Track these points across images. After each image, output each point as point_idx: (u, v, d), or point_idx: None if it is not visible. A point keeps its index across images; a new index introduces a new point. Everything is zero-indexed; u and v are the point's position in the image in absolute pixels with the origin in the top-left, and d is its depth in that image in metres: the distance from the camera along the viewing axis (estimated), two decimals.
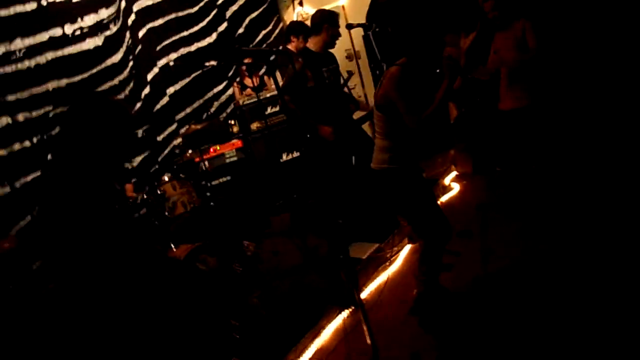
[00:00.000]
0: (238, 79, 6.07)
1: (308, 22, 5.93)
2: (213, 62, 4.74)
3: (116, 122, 2.06)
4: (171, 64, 5.44)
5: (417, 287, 3.35)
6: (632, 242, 3.27)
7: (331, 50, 4.48)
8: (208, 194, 5.01)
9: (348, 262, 2.58)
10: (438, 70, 3.05)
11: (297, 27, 5.12)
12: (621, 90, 4.57)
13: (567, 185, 4.33)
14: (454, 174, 5.89)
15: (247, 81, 5.97)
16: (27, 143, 4.18)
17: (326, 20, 4.25)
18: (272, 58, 4.49)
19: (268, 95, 5.61)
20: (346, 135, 4.34)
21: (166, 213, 4.22)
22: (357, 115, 4.87)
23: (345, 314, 3.43)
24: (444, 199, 5.34)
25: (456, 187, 5.56)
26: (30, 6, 4.21)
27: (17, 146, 4.12)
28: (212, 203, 4.89)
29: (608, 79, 4.66)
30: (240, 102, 5.66)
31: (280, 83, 5.09)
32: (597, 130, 4.61)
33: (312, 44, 4.30)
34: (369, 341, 2.59)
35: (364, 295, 3.76)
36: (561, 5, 4.80)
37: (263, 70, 6.55)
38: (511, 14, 4.09)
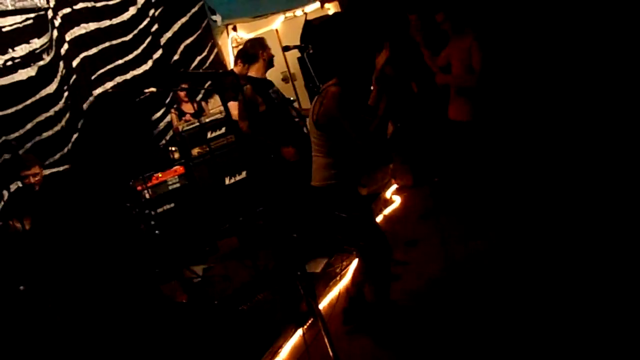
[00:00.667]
0: (175, 106, 6.05)
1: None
2: (152, 89, 4.71)
3: None
4: (110, 91, 5.36)
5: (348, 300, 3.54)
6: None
7: (267, 74, 4.61)
8: (152, 222, 4.94)
9: (305, 274, 2.64)
10: (372, 87, 3.19)
11: (243, 54, 5.24)
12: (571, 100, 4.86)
13: (504, 188, 4.56)
14: (394, 187, 6.07)
15: (185, 107, 5.96)
16: None
17: (259, 47, 4.42)
18: (215, 81, 4.56)
19: (207, 120, 5.61)
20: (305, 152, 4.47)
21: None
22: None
23: (302, 328, 3.47)
24: (386, 211, 5.50)
25: (398, 200, 5.74)
26: None
27: None
28: (157, 231, 4.83)
29: (554, 92, 4.95)
30: (180, 128, 5.63)
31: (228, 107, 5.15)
32: (539, 144, 4.88)
33: (253, 71, 4.43)
34: (330, 352, 2.64)
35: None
36: (509, 18, 5.07)
37: (200, 96, 6.55)
38: (462, 24, 4.28)
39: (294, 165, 4.36)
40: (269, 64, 4.47)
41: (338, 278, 4.25)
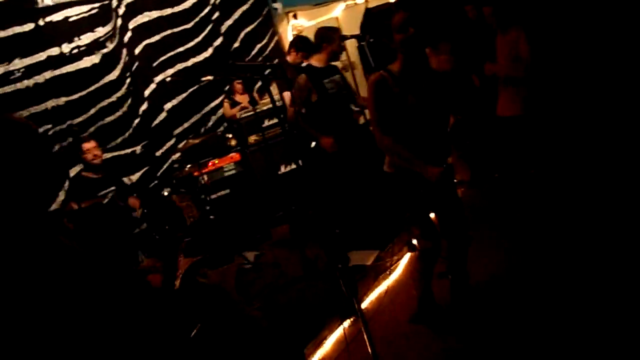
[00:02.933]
0: (224, 96, 6.12)
1: (304, 34, 6.03)
2: (209, 77, 4.79)
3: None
4: (168, 79, 5.48)
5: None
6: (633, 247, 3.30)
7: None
8: (207, 207, 5.04)
9: (347, 271, 2.60)
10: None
11: (300, 43, 5.25)
12: (619, 95, 4.60)
13: (565, 190, 4.37)
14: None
15: (238, 97, 6.01)
16: None
17: (324, 40, 4.41)
18: (266, 72, 4.62)
19: (264, 108, 5.65)
20: (350, 144, 4.44)
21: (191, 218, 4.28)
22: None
23: (346, 324, 3.44)
24: None
25: None
26: (28, 26, 4.26)
27: None
28: (211, 217, 4.92)
29: (605, 85, 4.70)
30: (237, 115, 5.70)
31: (278, 96, 5.20)
32: (595, 136, 4.65)
33: (314, 60, 4.48)
34: (369, 351, 2.60)
35: (364, 304, 3.78)
36: (556, 12, 4.86)
37: (258, 85, 6.60)
38: (508, 20, 4.16)
39: (334, 156, 4.36)
40: (332, 57, 4.48)
41: (388, 272, 4.19)
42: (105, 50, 4.76)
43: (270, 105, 5.63)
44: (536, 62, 4.02)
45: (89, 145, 4.21)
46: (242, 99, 5.93)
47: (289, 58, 5.29)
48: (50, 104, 4.38)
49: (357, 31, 6.26)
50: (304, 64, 4.80)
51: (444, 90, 2.94)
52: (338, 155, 4.38)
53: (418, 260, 3.25)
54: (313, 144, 4.40)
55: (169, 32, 5.65)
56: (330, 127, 4.37)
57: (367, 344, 2.57)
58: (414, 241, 4.44)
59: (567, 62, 4.73)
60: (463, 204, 3.30)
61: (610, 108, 4.66)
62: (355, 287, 3.08)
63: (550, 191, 4.42)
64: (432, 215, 3.25)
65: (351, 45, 7.10)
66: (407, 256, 4.42)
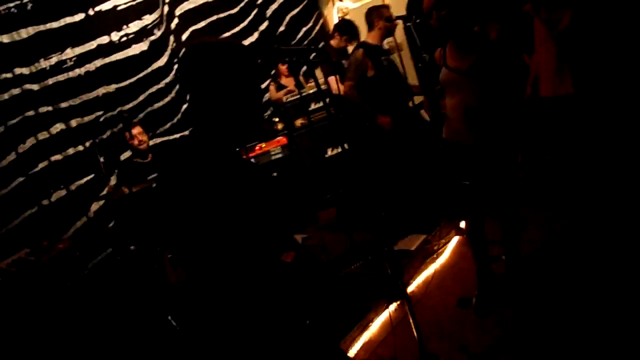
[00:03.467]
0: (270, 79, 6.12)
1: (348, 17, 5.95)
2: (257, 61, 4.80)
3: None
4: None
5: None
6: None
7: None
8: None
9: (393, 255, 2.57)
10: None
11: (344, 27, 5.23)
12: None
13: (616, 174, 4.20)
14: None
15: (285, 80, 6.01)
16: (80, 147, 4.36)
17: (375, 15, 4.42)
18: (311, 56, 4.61)
19: (310, 91, 5.63)
20: (404, 124, 4.41)
21: None
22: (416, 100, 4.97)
23: (392, 307, 3.42)
24: None
25: None
26: (79, 17, 4.38)
27: (71, 151, 4.30)
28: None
29: None
30: (284, 99, 5.70)
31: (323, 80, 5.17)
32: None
33: (370, 38, 4.47)
34: (415, 334, 2.57)
35: (411, 288, 3.74)
36: None
37: (304, 69, 6.57)
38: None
39: (388, 136, 4.32)
40: (387, 33, 4.47)
41: (435, 256, 4.14)
42: (153, 38, 4.84)
43: (316, 89, 5.64)
44: (584, 41, 3.87)
45: (135, 131, 4.30)
46: (288, 82, 5.93)
47: (332, 42, 5.26)
48: (101, 91, 4.49)
49: (403, 12, 6.13)
50: (350, 48, 4.77)
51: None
52: (392, 136, 4.33)
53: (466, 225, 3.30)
54: (368, 122, 4.35)
55: (214, 17, 5.70)
56: (386, 104, 4.33)
57: (413, 327, 2.53)
58: (462, 224, 4.38)
59: (615, 37, 4.50)
60: (515, 185, 3.20)
61: None
62: (401, 270, 3.05)
63: (602, 174, 4.25)
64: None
65: (397, 26, 6.96)
66: (455, 240, 4.35)
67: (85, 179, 4.35)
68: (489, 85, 2.81)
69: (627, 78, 4.49)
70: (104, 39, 4.51)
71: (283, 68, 5.92)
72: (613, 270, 3.09)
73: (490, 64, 2.78)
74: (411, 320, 2.56)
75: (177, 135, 5.16)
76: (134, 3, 4.72)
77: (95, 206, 4.40)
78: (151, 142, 4.56)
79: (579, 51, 4.02)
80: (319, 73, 6.31)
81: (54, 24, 4.26)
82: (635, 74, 4.48)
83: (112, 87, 4.56)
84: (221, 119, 1.61)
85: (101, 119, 4.48)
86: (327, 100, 5.49)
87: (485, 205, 3.18)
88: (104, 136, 4.53)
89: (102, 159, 4.34)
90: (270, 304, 1.67)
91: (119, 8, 4.61)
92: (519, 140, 3.10)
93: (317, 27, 6.90)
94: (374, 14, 4.42)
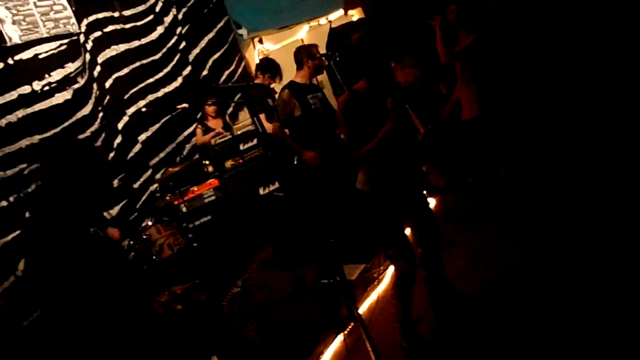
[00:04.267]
0: (197, 124, 6.13)
1: (271, 57, 6.11)
2: (185, 105, 4.82)
3: (90, 163, 2.03)
4: (144, 109, 5.49)
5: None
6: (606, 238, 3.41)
7: None
8: (190, 235, 5.02)
9: (343, 279, 2.64)
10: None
11: (266, 65, 5.37)
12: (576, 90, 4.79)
13: (538, 187, 4.51)
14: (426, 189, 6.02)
15: (212, 122, 6.03)
16: (3, 203, 4.15)
17: (305, 55, 4.54)
18: (245, 93, 4.71)
19: (239, 132, 5.69)
20: (332, 159, 4.52)
21: (154, 257, 4.23)
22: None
23: (342, 336, 3.47)
24: None
25: (432, 202, 5.68)
26: None
27: None
28: (194, 244, 4.91)
29: (561, 80, 4.90)
30: (212, 142, 5.72)
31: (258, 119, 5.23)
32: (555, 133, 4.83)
33: (298, 77, 4.57)
34: (372, 357, 2.63)
35: None
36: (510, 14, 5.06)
37: (230, 110, 6.64)
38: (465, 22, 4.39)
39: (317, 171, 4.43)
40: (315, 71, 4.60)
41: (376, 283, 4.24)
42: (76, 86, 4.73)
43: (245, 129, 5.72)
44: (488, 62, 4.21)
45: None
46: (216, 124, 5.96)
47: (256, 82, 5.38)
48: (24, 142, 4.31)
49: (323, 50, 6.38)
50: (275, 86, 4.89)
51: (411, 102, 3.05)
52: (321, 170, 4.44)
53: (396, 281, 3.19)
54: (295, 160, 4.45)
55: (137, 64, 5.67)
56: (314, 142, 4.44)
57: (370, 349, 2.60)
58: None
59: (519, 59, 4.91)
60: (432, 214, 3.36)
61: (568, 103, 4.85)
62: (353, 294, 3.11)
63: (524, 191, 4.56)
64: (407, 232, 3.25)
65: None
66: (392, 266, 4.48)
67: (10, 236, 4.12)
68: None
69: (529, 99, 4.91)
70: (26, 89, 4.36)
71: (210, 110, 5.95)
72: (539, 285, 3.30)
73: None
74: (368, 345, 2.63)
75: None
76: (55, 51, 4.61)
77: (22, 264, 4.18)
78: None
79: (481, 74, 4.36)
80: (244, 113, 6.42)
81: None
82: (537, 95, 4.91)
83: (36, 138, 4.40)
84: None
85: (25, 172, 4.30)
86: (257, 139, 5.60)
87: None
88: (29, 190, 4.34)
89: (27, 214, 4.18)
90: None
91: (40, 56, 4.49)
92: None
93: (240, 70, 7.02)
94: (303, 53, 4.55)
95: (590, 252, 3.36)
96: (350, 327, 3.48)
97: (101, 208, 3.61)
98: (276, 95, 4.93)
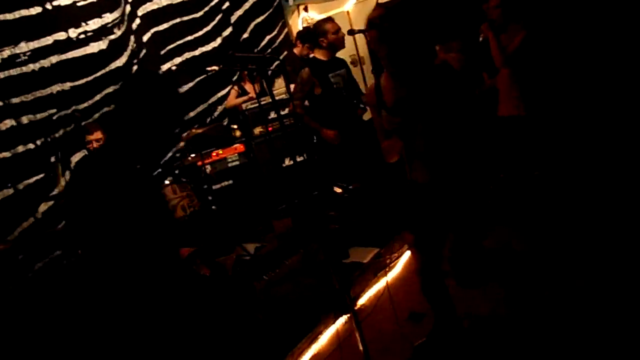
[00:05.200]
0: (232, 85, 6.06)
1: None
2: (215, 67, 4.77)
3: None
4: (173, 68, 5.47)
5: None
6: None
7: (340, 56, 4.59)
8: (210, 197, 5.04)
9: (341, 268, 2.58)
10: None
11: (307, 35, 5.25)
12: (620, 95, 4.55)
13: (569, 190, 4.34)
14: None
15: (248, 87, 5.98)
16: (30, 145, 4.23)
17: (318, 34, 4.43)
18: (273, 66, 4.65)
19: (270, 100, 5.62)
20: (353, 137, 4.44)
21: None
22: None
23: (341, 321, 3.43)
24: None
25: None
26: (35, 10, 4.26)
27: (20, 148, 4.16)
28: (213, 207, 4.92)
29: (605, 84, 4.64)
30: (243, 106, 5.67)
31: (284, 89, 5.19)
32: (596, 136, 4.60)
33: (318, 54, 4.46)
34: (361, 349, 2.58)
35: (362, 300, 3.76)
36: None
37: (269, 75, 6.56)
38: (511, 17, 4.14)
39: (337, 150, 4.36)
40: (333, 48, 4.44)
41: (387, 269, 4.17)
42: (112, 37, 4.74)
43: (278, 98, 5.64)
44: (536, 60, 3.99)
45: (93, 136, 4.19)
46: (250, 89, 5.90)
47: (295, 50, 5.28)
48: (55, 88, 4.38)
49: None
50: (310, 56, 4.79)
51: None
52: (341, 149, 4.37)
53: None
54: (315, 139, 4.39)
55: (177, 20, 5.63)
56: (334, 121, 4.36)
57: (359, 342, 2.55)
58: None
59: (567, 60, 4.67)
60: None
61: (611, 107, 4.61)
62: (349, 284, 3.06)
63: (555, 192, 4.39)
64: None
65: (360, 39, 7.05)
66: (408, 254, 4.40)
67: (34, 179, 4.21)
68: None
69: (577, 103, 4.68)
70: (61, 35, 4.40)
71: (245, 75, 5.90)
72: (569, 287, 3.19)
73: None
74: (357, 336, 2.58)
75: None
76: (94, 0, 4.62)
77: (43, 207, 4.27)
78: None
79: (529, 74, 4.14)
80: (280, 82, 6.32)
81: (8, 16, 4.13)
82: (586, 99, 4.67)
83: (67, 85, 4.45)
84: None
85: (54, 117, 4.36)
86: (282, 111, 5.53)
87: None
88: (57, 135, 4.41)
89: (52, 159, 4.25)
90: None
91: (78, 4, 4.51)
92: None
93: (282, 36, 6.91)
94: (317, 30, 4.44)
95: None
96: (347, 315, 3.44)
97: None
98: None
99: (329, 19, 4.59)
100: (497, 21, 4.18)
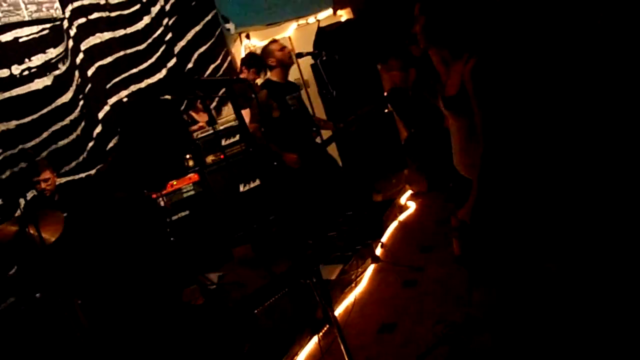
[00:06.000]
0: (188, 112, 6.04)
1: (257, 52, 6.07)
2: (168, 97, 4.75)
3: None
4: (125, 99, 5.40)
5: None
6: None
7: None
8: (168, 229, 4.95)
9: (321, 281, 2.62)
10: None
11: (251, 60, 5.30)
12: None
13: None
14: (409, 193, 6.04)
15: (197, 116, 5.96)
16: None
17: (266, 55, 4.66)
18: (229, 88, 4.69)
19: (221, 127, 5.62)
20: (312, 160, 4.50)
21: None
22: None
23: (317, 337, 3.44)
24: (401, 217, 5.47)
25: (413, 206, 5.70)
26: None
27: None
28: (172, 238, 4.83)
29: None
30: (194, 135, 5.64)
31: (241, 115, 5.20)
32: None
33: (274, 76, 4.53)
34: (346, 358, 2.61)
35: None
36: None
37: (214, 104, 6.56)
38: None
39: (298, 172, 4.41)
40: (282, 65, 4.55)
41: (353, 285, 4.23)
42: (57, 72, 4.63)
43: (229, 124, 5.65)
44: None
45: (43, 176, 4.12)
46: (201, 117, 5.89)
47: (242, 76, 5.32)
48: (0, 127, 4.23)
49: (310, 49, 6.36)
50: (259, 81, 4.85)
51: (395, 105, 2.96)
52: (301, 172, 4.42)
53: None
54: (275, 162, 4.42)
55: (122, 53, 5.56)
56: (293, 143, 4.41)
57: (344, 352, 2.58)
58: (377, 252, 4.52)
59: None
60: None
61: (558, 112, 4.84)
62: (329, 296, 3.09)
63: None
64: None
65: (305, 63, 7.18)
66: (371, 268, 4.48)
67: None
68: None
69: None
70: (4, 72, 4.26)
71: (197, 102, 5.88)
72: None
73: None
74: (342, 348, 2.60)
75: (82, 175, 4.93)
76: (36, 36, 4.51)
77: None
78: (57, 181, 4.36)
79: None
80: (228, 108, 6.34)
81: None
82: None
83: (13, 124, 4.30)
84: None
85: (0, 158, 4.21)
86: (240, 134, 5.54)
87: None
88: (3, 176, 4.25)
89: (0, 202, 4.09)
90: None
91: (20, 40, 4.39)
92: None
93: (225, 64, 6.94)
94: (264, 54, 4.62)
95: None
96: (325, 328, 3.46)
97: None
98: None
99: (272, 41, 4.71)
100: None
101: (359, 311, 3.83)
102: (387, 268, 4.41)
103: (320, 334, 3.48)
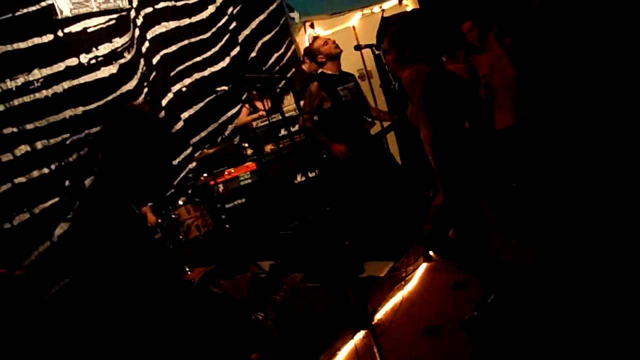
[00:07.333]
0: (242, 104, 6.12)
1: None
2: (224, 87, 4.83)
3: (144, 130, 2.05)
4: (184, 89, 5.52)
5: None
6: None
7: (347, 70, 4.73)
8: (223, 216, 5.05)
9: (357, 283, 2.58)
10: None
11: (313, 51, 5.31)
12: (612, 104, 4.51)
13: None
14: None
15: (258, 104, 6.03)
16: (45, 170, 4.27)
17: (312, 55, 4.72)
18: (280, 85, 4.80)
19: (280, 117, 5.65)
20: (363, 151, 4.47)
21: (180, 237, 4.26)
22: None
23: (358, 336, 3.41)
24: None
25: None
26: (47, 38, 4.31)
27: (35, 173, 4.20)
28: (227, 225, 4.93)
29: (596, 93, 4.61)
30: (254, 124, 5.72)
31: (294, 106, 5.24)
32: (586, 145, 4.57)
33: (327, 68, 4.63)
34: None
35: (379, 315, 3.74)
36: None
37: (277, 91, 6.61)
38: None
39: (347, 164, 4.38)
40: (331, 58, 4.58)
41: (403, 283, 4.16)
42: (122, 61, 4.79)
43: (289, 114, 5.68)
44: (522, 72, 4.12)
45: None
46: (260, 106, 5.95)
47: (304, 67, 5.33)
48: (68, 113, 4.42)
49: (373, 40, 6.24)
50: (319, 72, 4.84)
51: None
52: (351, 163, 4.39)
53: None
54: (325, 153, 4.42)
55: (186, 42, 5.68)
56: (343, 135, 4.39)
57: (377, 357, 2.54)
58: (431, 252, 4.42)
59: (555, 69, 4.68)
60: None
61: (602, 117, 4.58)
62: (366, 299, 3.05)
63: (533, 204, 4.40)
64: None
65: (368, 54, 7.07)
66: (423, 267, 4.39)
67: (49, 203, 4.24)
68: None
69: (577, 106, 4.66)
70: (73, 61, 4.45)
71: (255, 93, 5.96)
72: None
73: None
74: (376, 352, 2.56)
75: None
76: (104, 26, 4.68)
77: (59, 230, 4.30)
78: None
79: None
80: (289, 99, 6.36)
81: (22, 45, 4.19)
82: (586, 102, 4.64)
83: (80, 110, 4.49)
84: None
85: (68, 142, 4.41)
86: (291, 128, 5.58)
87: None
88: (70, 159, 4.45)
89: (67, 183, 4.28)
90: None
91: (89, 30, 4.57)
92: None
93: (289, 54, 6.96)
94: (312, 54, 4.69)
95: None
96: (366, 329, 3.43)
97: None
98: None
99: (314, 38, 4.72)
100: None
101: (405, 312, 3.76)
102: (439, 268, 4.30)
103: (360, 334, 3.44)
